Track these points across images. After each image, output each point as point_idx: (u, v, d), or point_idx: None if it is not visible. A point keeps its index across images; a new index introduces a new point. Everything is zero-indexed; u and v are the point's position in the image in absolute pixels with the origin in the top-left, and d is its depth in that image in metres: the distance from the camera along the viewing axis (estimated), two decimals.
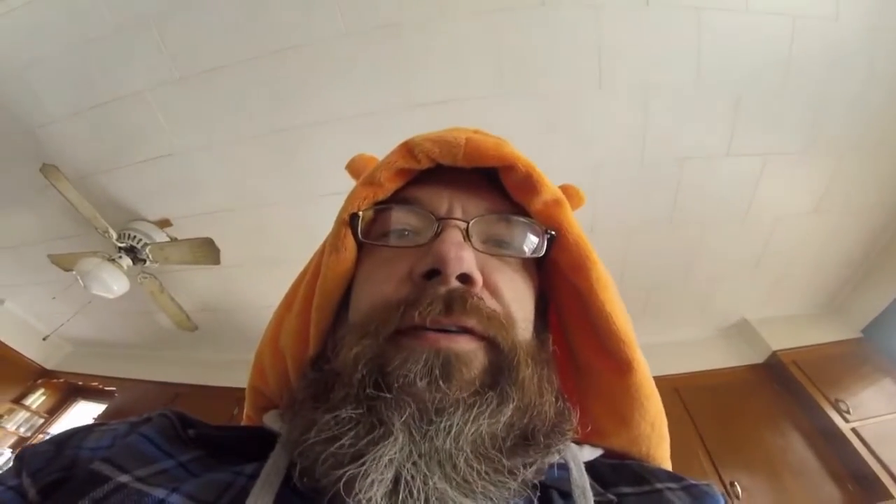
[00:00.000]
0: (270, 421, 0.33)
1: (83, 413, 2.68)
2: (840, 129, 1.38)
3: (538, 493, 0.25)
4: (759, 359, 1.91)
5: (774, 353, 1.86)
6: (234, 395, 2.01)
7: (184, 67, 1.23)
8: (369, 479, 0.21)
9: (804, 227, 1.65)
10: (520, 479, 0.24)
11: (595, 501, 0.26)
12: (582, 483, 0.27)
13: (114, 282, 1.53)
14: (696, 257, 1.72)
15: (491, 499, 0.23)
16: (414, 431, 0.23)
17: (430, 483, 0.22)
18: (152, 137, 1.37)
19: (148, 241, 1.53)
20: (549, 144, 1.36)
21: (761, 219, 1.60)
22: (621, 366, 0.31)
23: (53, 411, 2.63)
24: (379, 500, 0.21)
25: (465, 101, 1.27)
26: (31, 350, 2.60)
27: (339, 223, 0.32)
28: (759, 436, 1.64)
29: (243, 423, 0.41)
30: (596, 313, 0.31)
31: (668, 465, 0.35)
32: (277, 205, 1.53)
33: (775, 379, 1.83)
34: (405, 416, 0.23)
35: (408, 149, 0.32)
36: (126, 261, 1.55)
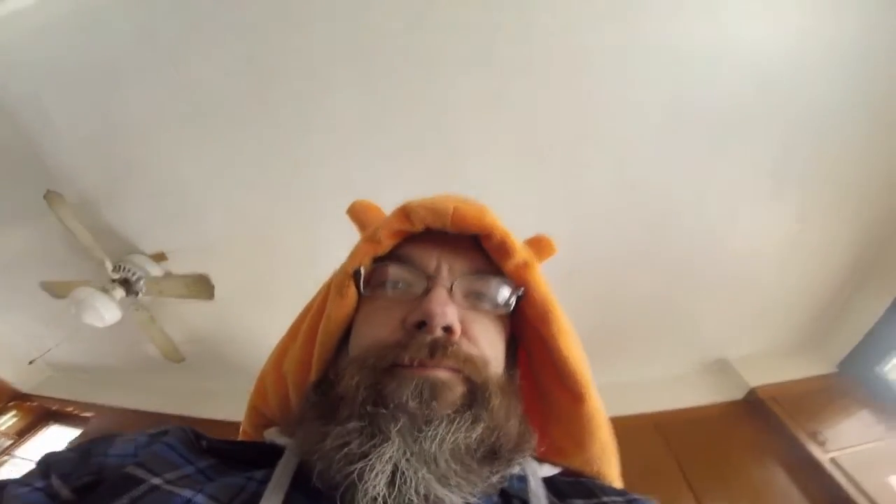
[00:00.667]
0: (272, 436, 0.40)
1: (55, 437, 2.58)
2: (814, 165, 1.46)
3: (501, 500, 0.32)
4: (738, 395, 1.96)
5: (753, 390, 1.91)
6: (218, 427, 1.97)
7: (190, 102, 1.29)
8: (374, 472, 0.28)
9: (780, 264, 1.73)
10: (486, 481, 0.30)
11: None
12: (539, 493, 0.34)
13: (106, 311, 1.53)
14: (673, 295, 1.78)
15: (462, 493, 0.29)
16: (407, 436, 0.29)
17: (419, 475, 0.28)
18: (154, 169, 1.42)
19: (143, 275, 1.54)
20: (530, 191, 1.44)
21: (738, 256, 1.68)
22: (576, 398, 0.39)
23: (23, 433, 2.54)
24: (382, 486, 0.28)
25: (455, 155, 1.35)
26: (7, 371, 2.52)
27: (344, 274, 0.39)
28: (742, 469, 1.67)
29: (240, 438, 0.48)
30: (556, 355, 0.39)
31: (618, 484, 0.42)
32: (273, 242, 1.58)
33: (755, 414, 1.87)
34: (399, 426, 0.30)
35: (405, 213, 0.39)
36: (119, 292, 1.55)
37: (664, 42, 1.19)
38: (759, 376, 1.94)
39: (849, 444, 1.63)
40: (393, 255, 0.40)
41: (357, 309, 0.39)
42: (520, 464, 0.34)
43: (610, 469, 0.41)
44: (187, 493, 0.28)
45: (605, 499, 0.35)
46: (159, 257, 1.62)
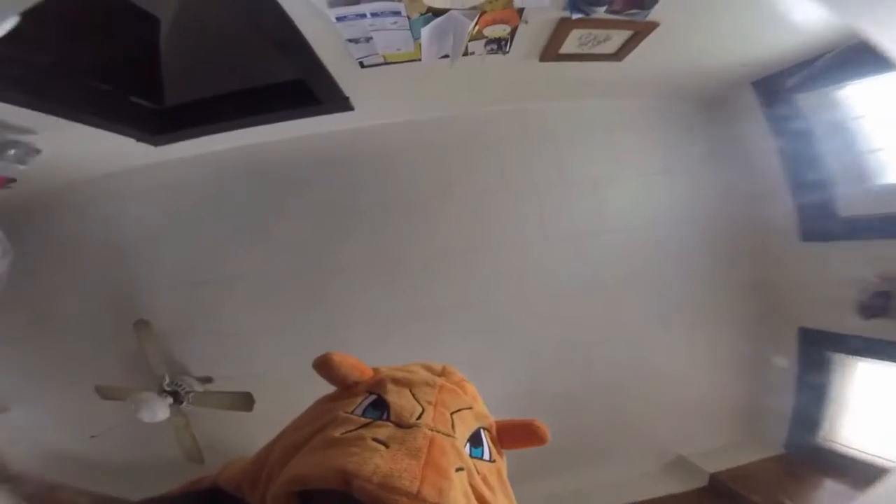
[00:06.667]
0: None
1: None
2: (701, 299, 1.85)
3: None
4: (701, 483, 2.21)
5: (713, 475, 2.17)
6: None
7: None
8: None
9: (707, 381, 2.05)
10: None
11: None
12: None
13: (159, 412, 1.78)
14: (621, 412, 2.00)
15: None
16: None
17: None
18: (227, 318, 1.74)
19: (192, 390, 1.81)
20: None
21: (671, 375, 1.98)
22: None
23: None
24: None
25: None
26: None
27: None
28: None
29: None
30: None
31: None
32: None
33: (720, 497, 2.11)
34: None
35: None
36: (169, 399, 1.79)
37: None
38: (717, 465, 2.15)
39: None
40: None
41: None
42: None
43: None
44: None
45: None
46: (206, 380, 1.86)
